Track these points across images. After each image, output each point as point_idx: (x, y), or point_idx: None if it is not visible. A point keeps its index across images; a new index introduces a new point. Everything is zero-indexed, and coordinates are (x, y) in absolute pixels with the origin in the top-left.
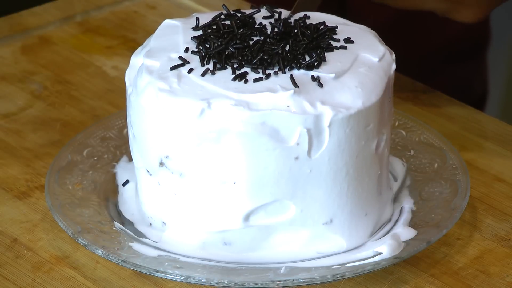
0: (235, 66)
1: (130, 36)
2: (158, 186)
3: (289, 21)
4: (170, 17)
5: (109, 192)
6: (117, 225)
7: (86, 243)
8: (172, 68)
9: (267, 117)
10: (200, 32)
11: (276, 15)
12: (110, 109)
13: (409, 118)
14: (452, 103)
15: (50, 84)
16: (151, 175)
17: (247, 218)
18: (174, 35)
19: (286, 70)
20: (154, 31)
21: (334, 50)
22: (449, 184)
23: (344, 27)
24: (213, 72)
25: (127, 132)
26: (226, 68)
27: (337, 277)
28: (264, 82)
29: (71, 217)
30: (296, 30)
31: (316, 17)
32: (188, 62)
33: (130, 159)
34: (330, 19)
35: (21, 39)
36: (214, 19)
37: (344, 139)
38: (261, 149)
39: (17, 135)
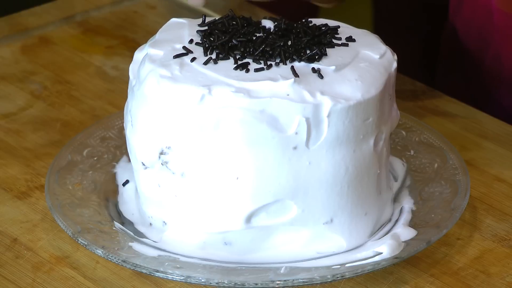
0: (238, 56)
1: (130, 36)
2: (158, 188)
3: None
4: (170, 17)
5: (109, 192)
6: (117, 225)
7: (86, 243)
8: (175, 57)
9: (267, 105)
10: (205, 28)
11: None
12: (110, 109)
13: (409, 118)
14: (452, 103)
15: (50, 84)
16: (146, 167)
17: (248, 219)
18: (180, 30)
19: (288, 62)
20: (154, 31)
21: (336, 47)
22: (449, 184)
23: (346, 29)
24: (215, 61)
25: None
26: (229, 58)
27: (337, 277)
28: (265, 72)
29: (71, 217)
30: (298, 30)
31: (319, 21)
32: (192, 52)
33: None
34: (333, 24)
35: (21, 39)
36: (220, 18)
37: (343, 130)
38: (259, 137)
39: (17, 135)
